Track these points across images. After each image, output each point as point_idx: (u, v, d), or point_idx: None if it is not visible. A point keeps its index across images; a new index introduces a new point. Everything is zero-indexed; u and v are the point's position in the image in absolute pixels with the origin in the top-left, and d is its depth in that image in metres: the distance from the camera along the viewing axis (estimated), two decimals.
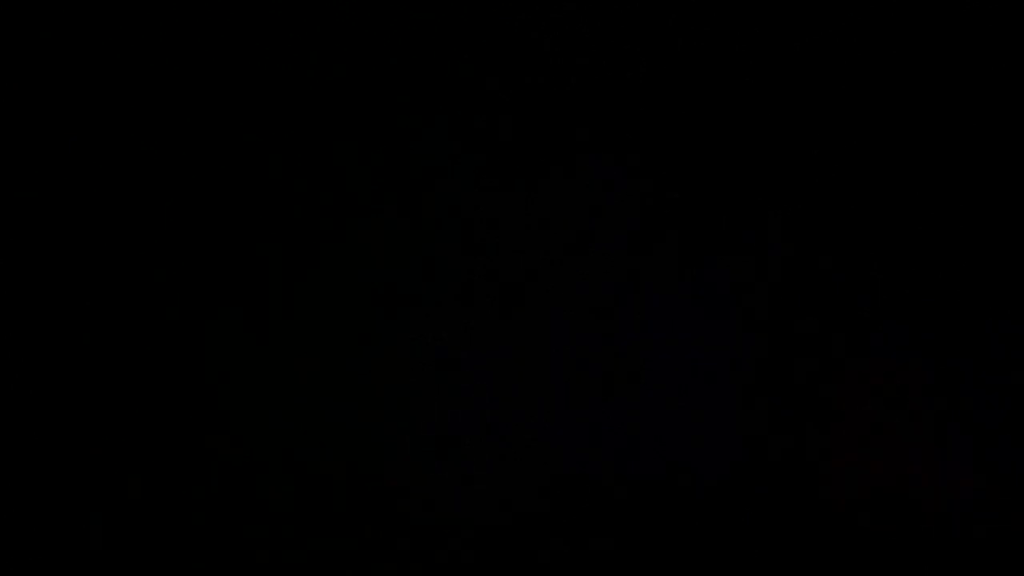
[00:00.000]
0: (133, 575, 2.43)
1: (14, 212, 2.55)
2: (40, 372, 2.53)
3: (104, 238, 2.58)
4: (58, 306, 2.53)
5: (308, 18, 2.57)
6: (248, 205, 2.59)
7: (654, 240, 2.49)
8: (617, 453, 2.46)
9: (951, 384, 2.38)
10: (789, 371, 2.43)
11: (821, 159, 2.47)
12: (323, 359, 2.54)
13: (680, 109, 2.50)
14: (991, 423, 2.36)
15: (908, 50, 2.46)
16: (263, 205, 2.57)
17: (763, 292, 2.46)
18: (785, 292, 2.46)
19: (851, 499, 2.36)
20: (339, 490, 2.48)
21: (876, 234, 2.46)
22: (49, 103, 2.57)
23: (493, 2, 2.50)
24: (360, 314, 2.56)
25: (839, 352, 2.43)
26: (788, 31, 2.46)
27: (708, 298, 2.47)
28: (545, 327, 2.53)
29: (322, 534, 2.46)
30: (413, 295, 2.55)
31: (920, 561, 2.32)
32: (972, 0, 2.44)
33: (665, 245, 2.50)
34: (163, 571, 2.44)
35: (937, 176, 2.46)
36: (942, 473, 2.35)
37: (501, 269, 2.54)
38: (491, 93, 2.53)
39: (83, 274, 2.55)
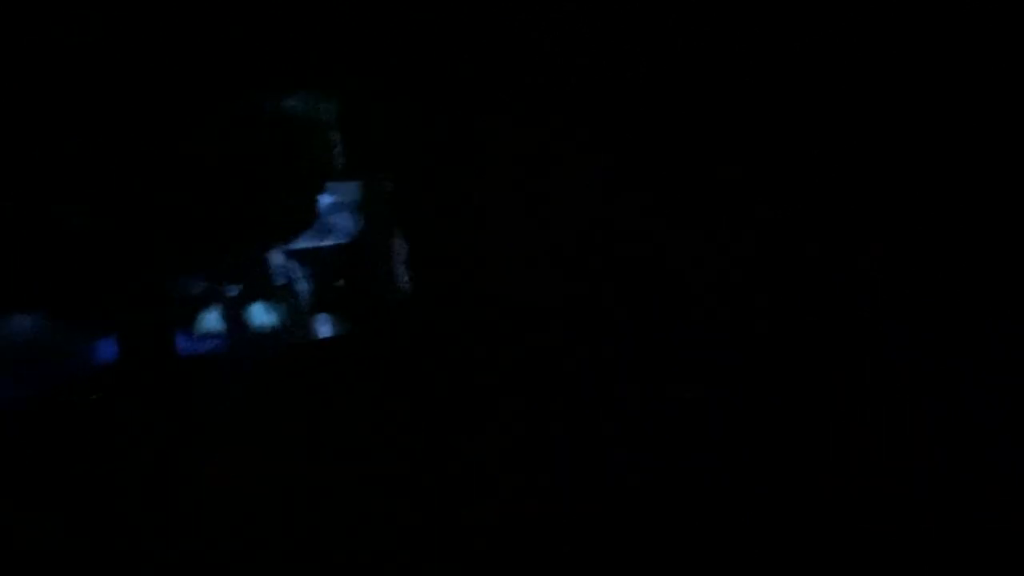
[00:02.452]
0: None
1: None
2: None
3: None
4: None
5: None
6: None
7: (653, 237, 2.50)
8: (616, 452, 2.46)
9: (951, 384, 2.39)
10: (789, 369, 2.43)
11: (823, 158, 2.47)
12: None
13: (681, 107, 2.49)
14: (991, 423, 2.36)
15: (908, 50, 2.46)
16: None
17: (764, 291, 2.47)
18: (785, 291, 2.46)
19: (852, 500, 2.36)
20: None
21: (877, 234, 2.46)
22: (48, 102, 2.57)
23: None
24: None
25: (840, 352, 2.43)
26: (788, 28, 2.46)
27: (708, 295, 2.47)
28: (543, 328, 2.53)
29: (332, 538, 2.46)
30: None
31: (920, 561, 2.32)
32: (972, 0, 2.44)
33: (663, 242, 2.50)
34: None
35: (936, 176, 2.46)
36: (943, 474, 2.35)
37: (495, 271, 2.54)
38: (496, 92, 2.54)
39: None
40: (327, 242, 2.80)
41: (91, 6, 2.40)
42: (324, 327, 2.76)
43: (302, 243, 2.80)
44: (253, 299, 2.78)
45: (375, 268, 2.78)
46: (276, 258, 2.73)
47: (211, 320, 2.73)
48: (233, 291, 2.76)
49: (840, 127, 2.47)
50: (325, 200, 2.72)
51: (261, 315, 2.77)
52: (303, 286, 2.75)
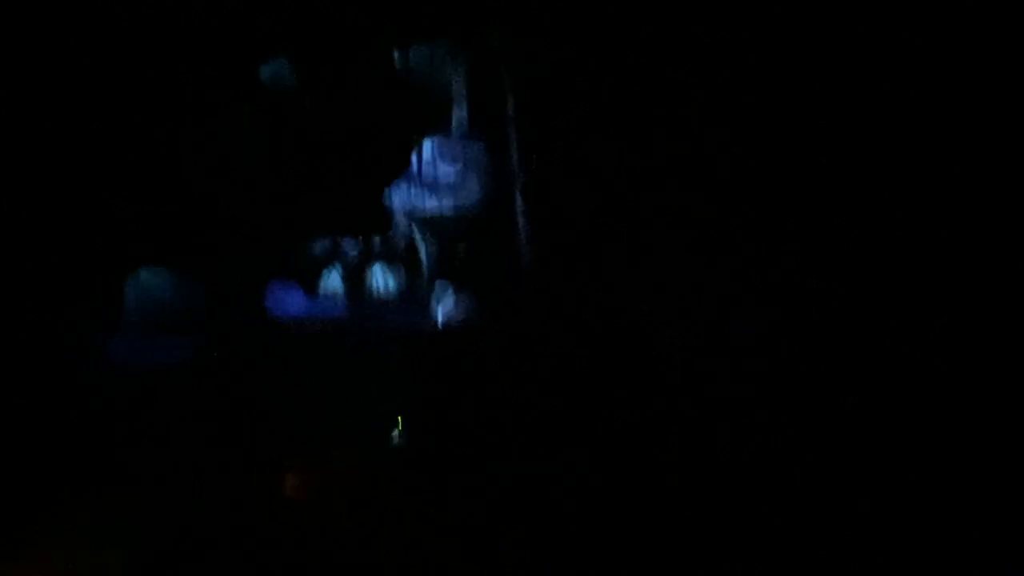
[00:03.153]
0: None
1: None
2: None
3: None
4: None
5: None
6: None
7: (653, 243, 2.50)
8: (615, 445, 2.47)
9: (949, 384, 2.39)
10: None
11: (825, 159, 2.48)
12: None
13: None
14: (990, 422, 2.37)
15: (906, 54, 2.47)
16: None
17: (764, 292, 2.47)
18: (785, 291, 2.47)
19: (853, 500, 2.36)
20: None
21: (877, 234, 2.47)
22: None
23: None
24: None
25: (840, 352, 2.44)
26: (812, 36, 2.46)
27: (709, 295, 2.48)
28: (548, 328, 2.53)
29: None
30: None
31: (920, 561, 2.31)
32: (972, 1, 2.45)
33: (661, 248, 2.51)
34: None
35: (936, 177, 2.47)
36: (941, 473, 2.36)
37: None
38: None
39: None
40: (449, 206, 2.79)
41: None
42: (444, 294, 2.77)
43: (423, 207, 2.79)
44: (374, 261, 2.80)
45: (497, 235, 2.76)
46: (397, 221, 2.74)
47: (332, 282, 2.75)
48: (353, 252, 2.79)
49: (843, 131, 2.48)
50: (448, 162, 2.71)
51: (381, 279, 2.79)
52: (424, 250, 2.76)
